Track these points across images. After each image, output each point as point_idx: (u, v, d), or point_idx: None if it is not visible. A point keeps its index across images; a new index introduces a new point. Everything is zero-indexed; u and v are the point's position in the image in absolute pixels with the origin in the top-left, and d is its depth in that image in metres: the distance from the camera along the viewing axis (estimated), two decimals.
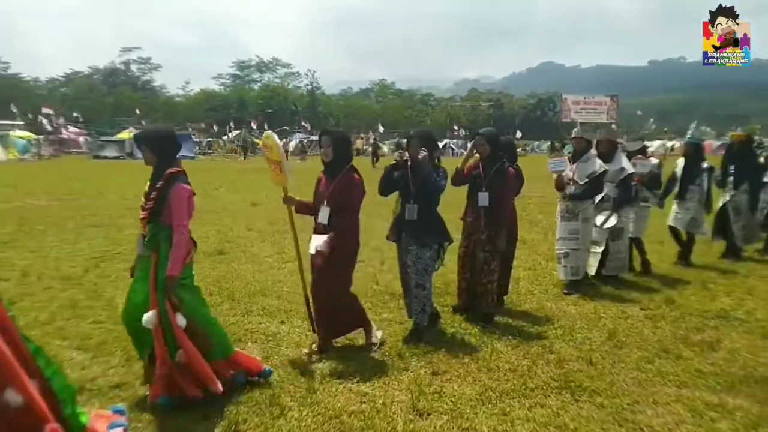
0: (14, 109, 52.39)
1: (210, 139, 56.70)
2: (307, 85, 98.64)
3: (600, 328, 5.42)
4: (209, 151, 51.14)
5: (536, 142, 67.15)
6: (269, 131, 4.73)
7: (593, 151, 6.68)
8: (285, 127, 63.07)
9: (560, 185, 6.56)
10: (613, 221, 6.76)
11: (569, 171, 6.57)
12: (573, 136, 6.91)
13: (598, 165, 6.47)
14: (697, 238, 8.20)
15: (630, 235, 7.28)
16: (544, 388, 4.11)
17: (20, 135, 41.33)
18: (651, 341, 5.06)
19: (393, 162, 5.04)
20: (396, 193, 5.10)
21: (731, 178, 8.51)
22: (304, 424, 3.56)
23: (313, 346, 4.71)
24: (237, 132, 57.16)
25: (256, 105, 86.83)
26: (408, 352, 4.68)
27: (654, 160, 7.81)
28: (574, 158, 6.69)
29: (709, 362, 4.61)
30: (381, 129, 62.21)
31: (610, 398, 3.96)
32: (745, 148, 8.74)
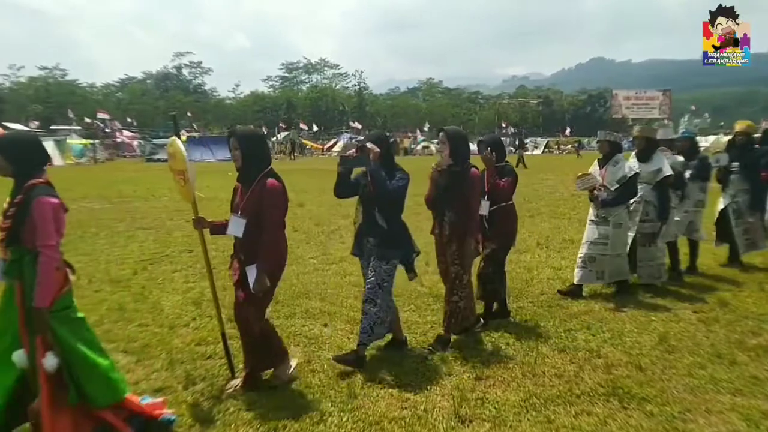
0: (71, 115, 54.57)
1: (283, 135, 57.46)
2: (355, 85, 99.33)
3: (650, 331, 5.21)
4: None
5: (586, 139, 65.85)
6: (174, 137, 4.11)
7: (620, 155, 6.23)
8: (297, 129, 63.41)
9: (593, 197, 6.22)
10: (662, 231, 6.38)
11: (599, 177, 6.22)
12: (598, 139, 6.49)
13: (628, 168, 6.07)
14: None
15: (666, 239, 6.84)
16: (591, 394, 3.97)
17: (77, 141, 42.97)
18: (704, 346, 4.84)
19: (345, 155, 4.39)
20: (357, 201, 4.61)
21: (733, 177, 7.54)
22: (344, 430, 3.52)
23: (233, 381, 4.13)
24: (286, 133, 57.94)
25: (304, 106, 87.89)
26: (451, 356, 4.59)
27: (679, 158, 7.10)
28: (602, 162, 6.28)
29: (765, 368, 4.37)
30: (427, 128, 61.97)
31: (661, 406, 3.80)
32: (750, 141, 7.78)
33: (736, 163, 7.48)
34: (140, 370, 4.38)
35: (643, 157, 6.40)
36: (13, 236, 3.12)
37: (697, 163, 7.24)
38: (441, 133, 4.90)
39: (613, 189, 6.04)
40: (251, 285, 3.79)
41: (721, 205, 7.66)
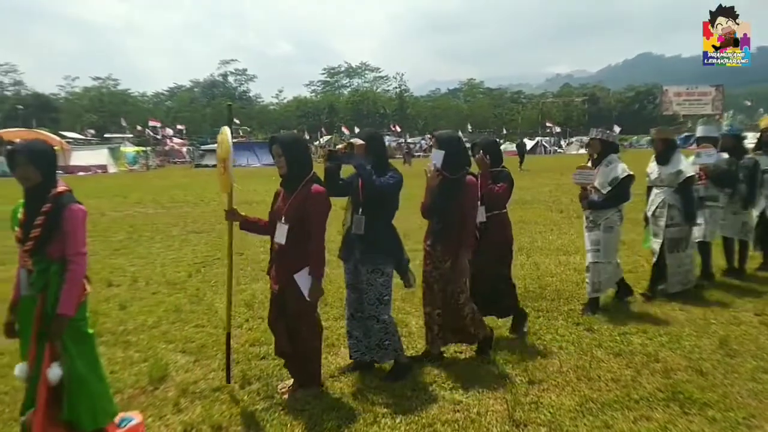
0: (124, 123, 56.37)
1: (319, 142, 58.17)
2: (396, 88, 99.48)
3: (710, 335, 5.06)
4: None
5: (635, 137, 64.31)
6: (226, 126, 4.09)
7: (614, 155, 5.82)
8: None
9: (583, 197, 5.82)
10: (699, 233, 6.16)
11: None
12: (589, 137, 6.05)
13: (621, 169, 5.64)
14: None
15: (698, 239, 6.58)
16: (650, 399, 3.87)
17: (131, 148, 44.33)
18: (767, 349, 4.67)
19: (332, 149, 4.25)
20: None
21: (767, 177, 7.03)
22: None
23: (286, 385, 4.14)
24: (328, 137, 58.47)
25: (346, 110, 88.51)
26: (502, 360, 4.56)
27: (724, 155, 6.72)
28: (595, 162, 5.87)
29: None
30: (470, 129, 61.63)
31: (723, 412, 3.69)
32: None
33: None
34: (198, 370, 4.49)
35: (662, 160, 6.09)
36: (40, 246, 3.04)
37: (748, 162, 6.86)
38: (432, 139, 4.70)
39: (604, 191, 5.67)
40: (305, 293, 3.78)
41: (757, 210, 7.12)
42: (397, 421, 3.64)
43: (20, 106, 70.29)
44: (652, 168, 6.21)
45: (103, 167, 38.20)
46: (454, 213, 4.35)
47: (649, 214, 6.23)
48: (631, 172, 5.62)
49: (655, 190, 6.18)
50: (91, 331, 3.29)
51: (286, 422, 3.66)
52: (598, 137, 5.86)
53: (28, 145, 3.24)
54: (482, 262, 4.84)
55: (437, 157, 4.31)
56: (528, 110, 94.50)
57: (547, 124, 72.91)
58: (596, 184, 5.69)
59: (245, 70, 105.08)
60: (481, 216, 4.80)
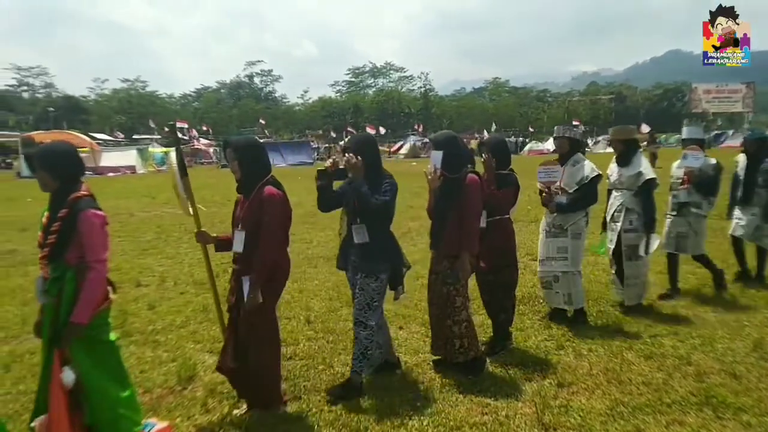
0: (152, 124, 57.20)
1: (327, 145, 58.56)
2: (420, 87, 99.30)
3: (744, 337, 4.96)
4: (327, 156, 53.12)
5: (663, 135, 63.23)
6: (172, 150, 3.91)
7: (580, 154, 5.47)
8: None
9: (547, 200, 5.41)
10: (655, 243, 5.64)
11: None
12: (555, 135, 5.67)
13: (589, 169, 5.29)
14: None
15: (674, 251, 6.25)
16: (683, 403, 3.80)
17: (159, 149, 44.96)
18: None
19: (322, 168, 4.08)
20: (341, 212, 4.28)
21: None
22: None
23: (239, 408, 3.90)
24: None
25: (371, 110, 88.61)
26: (531, 361, 4.51)
27: (711, 160, 6.18)
28: (561, 162, 5.49)
29: None
30: (494, 128, 61.20)
31: (758, 416, 3.61)
32: None
33: None
34: None
35: (623, 161, 5.73)
36: (57, 252, 2.99)
37: (766, 166, 6.44)
38: (429, 141, 4.59)
39: (570, 192, 5.29)
40: (244, 299, 3.58)
41: None
42: (424, 423, 3.63)
43: (51, 108, 71.73)
44: (612, 170, 5.86)
45: (132, 168, 38.79)
46: (455, 213, 4.24)
47: (607, 218, 5.86)
48: (599, 172, 5.31)
49: (614, 193, 5.81)
50: (113, 337, 3.20)
51: (313, 423, 3.68)
52: (565, 135, 5.52)
53: (43, 149, 3.17)
54: (480, 269, 4.71)
55: (436, 158, 4.22)
56: (554, 109, 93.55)
57: (574, 123, 72.14)
58: (562, 184, 5.33)
59: (271, 70, 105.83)
60: (482, 221, 4.49)
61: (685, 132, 6.63)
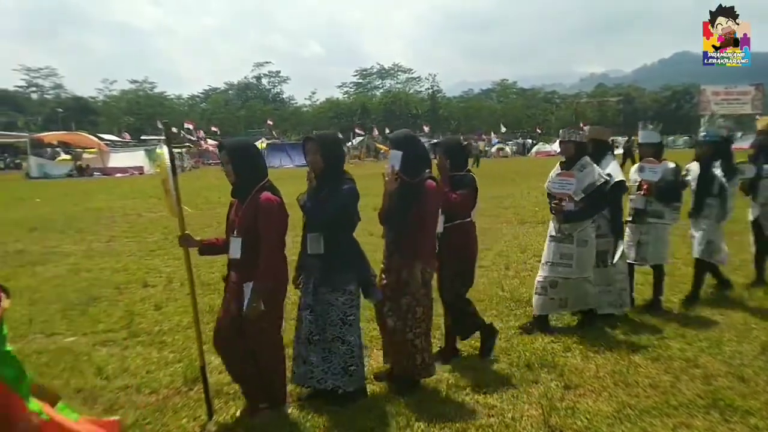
0: (160, 126, 57.43)
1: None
2: (428, 88, 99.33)
3: (751, 340, 4.92)
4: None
5: (671, 137, 63.00)
6: (164, 145, 3.81)
7: (587, 158, 5.22)
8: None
9: (557, 210, 5.18)
10: (619, 251, 5.40)
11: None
12: (560, 139, 5.45)
13: (597, 174, 5.11)
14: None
15: (637, 262, 5.84)
16: (690, 406, 3.78)
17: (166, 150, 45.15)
18: None
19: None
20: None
21: (765, 182, 6.33)
22: None
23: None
24: (360, 138, 58.66)
25: (378, 111, 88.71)
26: (537, 363, 4.49)
27: (669, 164, 5.78)
28: (567, 166, 5.27)
29: None
30: (503, 129, 61.22)
31: (766, 420, 3.58)
32: None
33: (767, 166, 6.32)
34: None
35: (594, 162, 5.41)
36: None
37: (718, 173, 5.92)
38: (388, 141, 4.35)
39: (578, 199, 5.08)
40: (244, 306, 3.49)
41: (750, 216, 6.51)
42: (430, 424, 3.61)
43: (60, 109, 72.22)
44: (602, 171, 5.48)
45: (140, 169, 38.96)
46: (412, 220, 3.95)
47: None
48: (607, 178, 5.14)
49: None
50: (8, 348, 2.64)
51: (317, 425, 3.67)
52: (571, 139, 5.26)
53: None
54: (440, 277, 4.55)
55: (395, 158, 3.94)
56: (562, 111, 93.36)
57: (582, 125, 71.97)
58: (571, 191, 5.10)
59: (278, 72, 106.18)
60: (439, 226, 4.29)
61: (641, 136, 6.08)
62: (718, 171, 5.88)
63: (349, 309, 3.83)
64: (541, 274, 5.35)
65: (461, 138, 4.86)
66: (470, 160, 5.43)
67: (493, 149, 55.41)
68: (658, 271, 5.90)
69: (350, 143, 58.10)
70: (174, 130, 58.55)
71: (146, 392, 4.23)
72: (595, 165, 5.20)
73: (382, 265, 4.21)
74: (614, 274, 5.50)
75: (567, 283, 5.17)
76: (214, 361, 4.73)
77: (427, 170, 4.10)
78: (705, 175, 5.94)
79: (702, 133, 6.10)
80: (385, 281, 4.14)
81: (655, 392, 3.98)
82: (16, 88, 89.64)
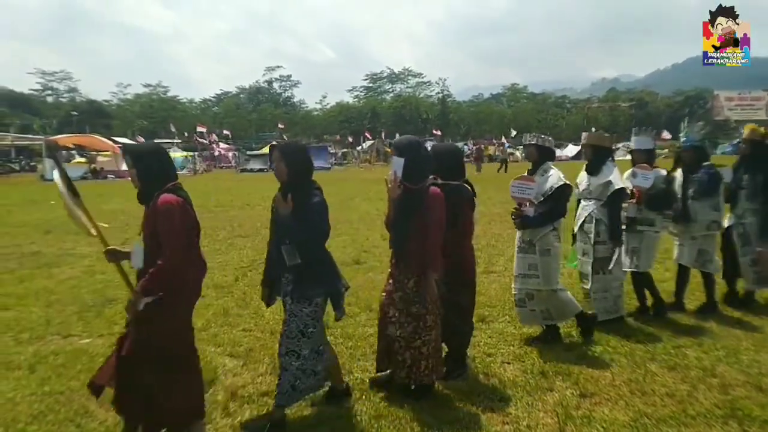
0: (173, 129, 57.88)
1: (345, 149, 58.77)
2: (438, 93, 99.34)
3: None
4: (344, 161, 53.43)
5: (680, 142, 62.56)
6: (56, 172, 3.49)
7: (549, 163, 5.09)
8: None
9: (517, 216, 5.02)
10: (617, 256, 5.36)
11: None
12: (524, 142, 5.36)
13: (557, 178, 4.90)
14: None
15: (632, 269, 5.76)
16: (707, 416, 3.75)
17: (179, 153, 45.49)
18: None
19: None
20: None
21: (743, 192, 6.05)
22: None
23: None
24: (371, 142, 58.80)
25: (388, 115, 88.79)
26: (552, 371, 4.47)
27: (661, 171, 5.75)
28: (530, 171, 5.13)
29: None
30: (513, 134, 61.03)
31: None
32: (759, 149, 6.09)
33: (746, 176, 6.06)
34: (246, 374, 4.54)
35: (593, 170, 5.45)
36: None
37: (703, 176, 5.83)
38: (391, 147, 4.13)
39: (537, 203, 4.93)
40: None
41: (725, 224, 6.20)
42: (445, 431, 3.61)
43: (75, 113, 72.94)
44: (582, 178, 5.57)
45: None
46: (417, 227, 3.88)
47: (576, 229, 5.57)
48: (567, 182, 4.94)
49: (582, 203, 5.54)
50: None
51: (334, 427, 3.68)
52: (533, 143, 5.15)
53: None
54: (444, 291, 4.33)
55: (398, 164, 3.85)
56: (573, 115, 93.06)
57: (593, 130, 71.68)
58: (531, 196, 4.96)
59: (290, 76, 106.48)
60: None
61: (634, 142, 6.04)
62: (701, 176, 5.83)
63: (311, 321, 3.66)
64: (514, 287, 5.21)
65: (473, 143, 4.53)
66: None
67: (525, 153, 55.27)
68: (647, 281, 5.86)
69: (360, 147, 58.25)
70: (186, 134, 59.10)
71: None
72: (556, 170, 5.01)
73: (389, 270, 4.17)
74: (611, 281, 5.44)
75: (540, 294, 5.02)
76: (228, 363, 4.77)
77: (431, 176, 4.03)
78: (689, 180, 5.89)
79: (682, 139, 6.01)
80: (390, 288, 4.10)
81: (672, 401, 3.95)
82: (32, 91, 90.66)
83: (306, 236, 3.56)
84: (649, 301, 5.92)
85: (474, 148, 49.42)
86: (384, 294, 4.15)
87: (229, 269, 8.36)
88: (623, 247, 5.60)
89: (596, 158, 5.44)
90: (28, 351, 5.13)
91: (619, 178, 5.38)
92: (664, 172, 5.76)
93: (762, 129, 6.19)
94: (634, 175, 5.66)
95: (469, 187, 4.45)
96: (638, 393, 4.08)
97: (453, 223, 4.20)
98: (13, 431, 3.75)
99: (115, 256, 3.48)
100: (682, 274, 6.16)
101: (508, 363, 4.68)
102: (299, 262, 3.59)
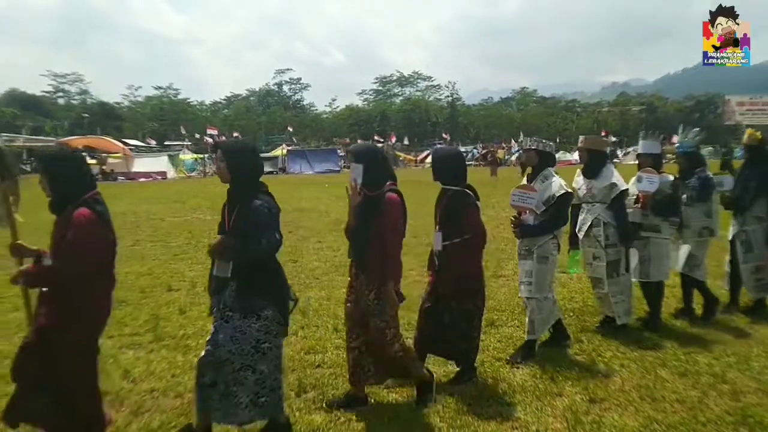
0: (183, 131, 58.26)
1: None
2: (448, 96, 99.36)
3: None
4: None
5: None
6: None
7: (550, 169, 4.92)
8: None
9: (516, 225, 4.89)
10: (634, 259, 5.33)
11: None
12: (522, 146, 5.13)
13: (557, 186, 4.76)
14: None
15: (642, 279, 5.65)
16: (718, 422, 3.72)
17: (189, 156, 45.77)
18: None
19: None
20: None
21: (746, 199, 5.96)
22: None
23: None
24: (380, 145, 59.02)
25: (397, 118, 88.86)
26: (561, 375, 4.45)
27: (668, 176, 5.63)
28: (530, 177, 4.99)
29: None
30: (521, 138, 60.98)
31: None
32: (759, 155, 6.03)
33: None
34: None
35: (591, 173, 5.35)
36: None
37: (695, 182, 5.77)
38: (349, 154, 3.92)
39: (539, 212, 4.80)
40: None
41: (729, 235, 6.15)
42: None
43: (86, 114, 73.37)
44: (579, 183, 5.45)
45: (163, 174, 39.50)
46: (376, 236, 3.71)
47: (581, 234, 5.41)
48: (569, 190, 4.87)
49: (585, 207, 5.40)
50: None
51: (341, 430, 3.68)
52: (533, 147, 4.99)
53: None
54: (437, 297, 4.33)
55: (356, 171, 3.71)
56: (583, 119, 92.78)
57: (603, 134, 71.46)
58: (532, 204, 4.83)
59: (299, 79, 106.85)
60: (438, 244, 4.25)
61: (641, 146, 5.89)
62: (693, 182, 5.77)
63: (264, 336, 3.36)
64: (520, 295, 5.17)
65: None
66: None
67: (513, 157, 55.22)
68: (659, 288, 5.71)
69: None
70: (197, 135, 59.46)
71: (171, 396, 4.27)
72: (557, 177, 4.88)
73: (349, 280, 4.04)
74: (626, 282, 5.39)
75: (530, 303, 4.90)
76: None
77: (389, 182, 3.85)
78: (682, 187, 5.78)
79: (676, 145, 5.94)
80: (348, 301, 3.96)
81: (683, 407, 3.92)
82: (43, 93, 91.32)
83: (242, 245, 3.24)
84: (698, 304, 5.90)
85: (485, 152, 48.96)
86: (345, 308, 4.02)
87: None
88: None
89: (594, 162, 5.38)
90: None
91: (622, 179, 5.31)
92: (671, 178, 5.66)
93: (759, 134, 6.15)
94: (639, 179, 5.59)
95: (472, 193, 4.33)
96: (648, 399, 4.06)
97: (456, 232, 4.14)
98: (24, 431, 3.77)
99: (20, 252, 3.25)
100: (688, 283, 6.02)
101: (518, 367, 4.66)
102: (228, 275, 3.32)
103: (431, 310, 4.35)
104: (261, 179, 3.48)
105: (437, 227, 4.30)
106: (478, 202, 4.33)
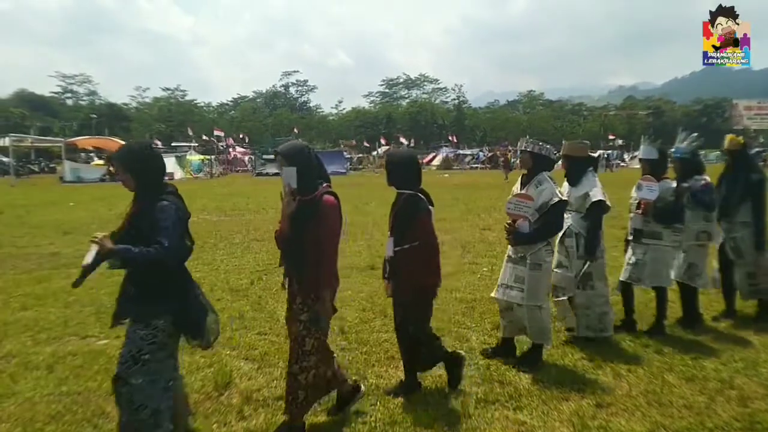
0: (190, 132, 58.45)
1: (360, 155, 58.96)
2: (454, 99, 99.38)
3: None
4: (360, 166, 53.58)
5: (702, 151, 61.96)
6: None
7: (545, 174, 4.74)
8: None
9: (510, 232, 4.79)
10: (585, 269, 5.15)
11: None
12: (518, 148, 5.01)
13: (550, 193, 4.60)
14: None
15: (628, 280, 5.61)
16: (726, 428, 3.71)
17: (196, 157, 45.93)
18: None
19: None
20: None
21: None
22: None
23: None
24: (386, 147, 58.96)
25: (404, 121, 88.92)
26: (568, 380, 4.44)
27: (671, 184, 5.52)
28: (524, 181, 4.86)
29: None
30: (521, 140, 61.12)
31: None
32: (741, 160, 6.03)
33: None
34: (261, 378, 4.55)
35: (573, 180, 5.23)
36: None
37: (694, 184, 5.66)
38: (277, 156, 3.57)
39: (533, 219, 4.65)
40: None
41: (717, 241, 6.05)
42: None
43: (94, 115, 73.83)
44: (565, 189, 5.26)
45: (170, 175, 39.55)
46: (311, 242, 3.47)
47: (556, 240, 5.19)
48: (563, 197, 4.71)
49: (566, 214, 5.14)
50: None
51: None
52: (527, 149, 4.81)
53: None
54: (394, 306, 4.25)
55: (289, 175, 3.40)
56: (589, 123, 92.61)
57: (610, 137, 71.29)
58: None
59: (306, 81, 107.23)
60: (389, 250, 4.08)
61: (642, 151, 5.76)
62: (692, 187, 5.66)
63: (147, 346, 3.09)
64: (496, 294, 4.98)
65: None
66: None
67: (518, 160, 55.21)
68: (660, 294, 5.62)
69: (376, 152, 58.41)
70: (204, 137, 59.63)
71: None
72: (551, 183, 4.70)
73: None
74: (594, 297, 5.21)
75: (520, 309, 4.76)
76: (244, 366, 4.79)
77: (324, 184, 3.58)
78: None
79: (672, 150, 5.88)
80: (288, 314, 3.73)
81: (690, 413, 3.91)
82: (52, 94, 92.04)
83: (137, 248, 3.00)
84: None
85: (491, 155, 48.83)
86: (286, 321, 3.82)
87: (244, 273, 8.40)
88: (627, 258, 5.62)
89: (574, 169, 5.24)
90: (46, 351, 5.19)
91: (600, 189, 5.11)
92: (673, 184, 5.53)
93: (741, 138, 6.12)
94: (639, 187, 5.52)
95: (425, 197, 4.13)
96: (655, 404, 4.04)
97: (407, 236, 3.99)
98: (30, 431, 3.80)
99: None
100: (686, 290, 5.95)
101: (524, 371, 4.65)
102: (132, 275, 3.17)
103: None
104: (168, 182, 3.37)
105: (390, 233, 4.14)
106: (431, 207, 4.16)
